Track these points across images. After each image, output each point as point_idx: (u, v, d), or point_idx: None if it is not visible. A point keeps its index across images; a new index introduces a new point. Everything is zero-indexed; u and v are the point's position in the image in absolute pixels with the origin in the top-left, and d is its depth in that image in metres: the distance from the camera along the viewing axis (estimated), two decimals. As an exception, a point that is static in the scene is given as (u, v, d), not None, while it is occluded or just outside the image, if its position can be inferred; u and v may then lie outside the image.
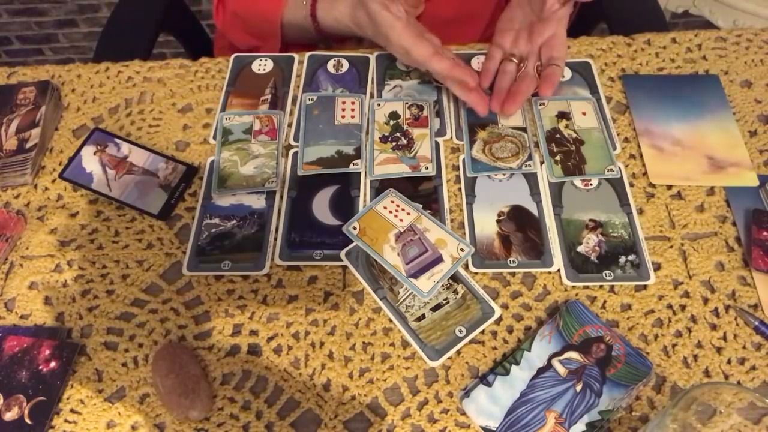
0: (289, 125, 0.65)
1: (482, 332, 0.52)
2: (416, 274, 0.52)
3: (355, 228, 0.56)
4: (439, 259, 0.52)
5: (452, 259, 0.52)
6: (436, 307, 0.52)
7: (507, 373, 0.49)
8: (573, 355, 0.49)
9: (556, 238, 0.56)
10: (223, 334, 0.53)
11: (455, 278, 0.53)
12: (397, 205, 0.57)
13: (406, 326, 0.51)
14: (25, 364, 0.51)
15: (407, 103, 0.66)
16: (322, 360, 0.51)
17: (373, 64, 0.70)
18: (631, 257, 0.55)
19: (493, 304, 0.52)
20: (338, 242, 0.56)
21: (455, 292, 0.52)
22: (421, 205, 0.57)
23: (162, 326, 0.53)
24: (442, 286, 0.52)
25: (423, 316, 0.52)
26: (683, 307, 0.53)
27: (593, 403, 0.47)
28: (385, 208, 0.57)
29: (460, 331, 0.51)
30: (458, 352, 0.51)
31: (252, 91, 0.68)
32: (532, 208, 0.58)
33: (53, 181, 0.63)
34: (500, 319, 0.52)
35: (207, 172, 0.62)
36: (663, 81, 0.67)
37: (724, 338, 0.51)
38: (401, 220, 0.56)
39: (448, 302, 0.52)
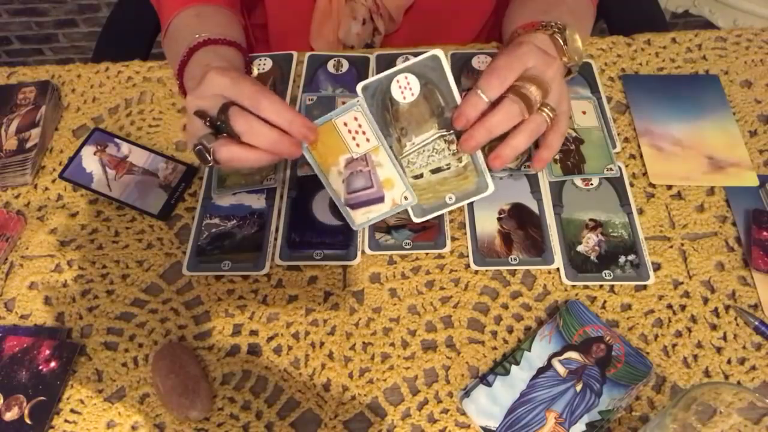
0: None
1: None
2: (354, 206, 0.51)
3: None
4: (380, 200, 0.50)
5: (393, 204, 0.50)
6: (436, 170, 0.50)
7: (507, 373, 0.49)
8: (573, 355, 0.49)
9: (556, 237, 0.56)
10: (223, 334, 0.53)
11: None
12: (359, 125, 0.50)
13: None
14: (25, 364, 0.51)
15: (407, 103, 0.66)
16: (322, 360, 0.51)
17: (373, 64, 0.70)
18: (631, 257, 0.55)
19: (489, 180, 0.50)
20: (338, 242, 0.56)
21: (459, 159, 0.50)
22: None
23: (162, 326, 0.53)
24: (449, 152, 0.50)
25: (421, 176, 0.50)
26: (683, 307, 0.53)
27: (593, 403, 0.47)
28: (345, 124, 0.50)
29: (450, 198, 0.50)
30: (458, 352, 0.51)
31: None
32: (533, 206, 0.58)
33: (53, 181, 0.63)
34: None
35: (207, 172, 0.62)
36: (663, 81, 0.67)
37: (724, 338, 0.51)
38: (358, 145, 0.51)
39: (449, 168, 0.50)
